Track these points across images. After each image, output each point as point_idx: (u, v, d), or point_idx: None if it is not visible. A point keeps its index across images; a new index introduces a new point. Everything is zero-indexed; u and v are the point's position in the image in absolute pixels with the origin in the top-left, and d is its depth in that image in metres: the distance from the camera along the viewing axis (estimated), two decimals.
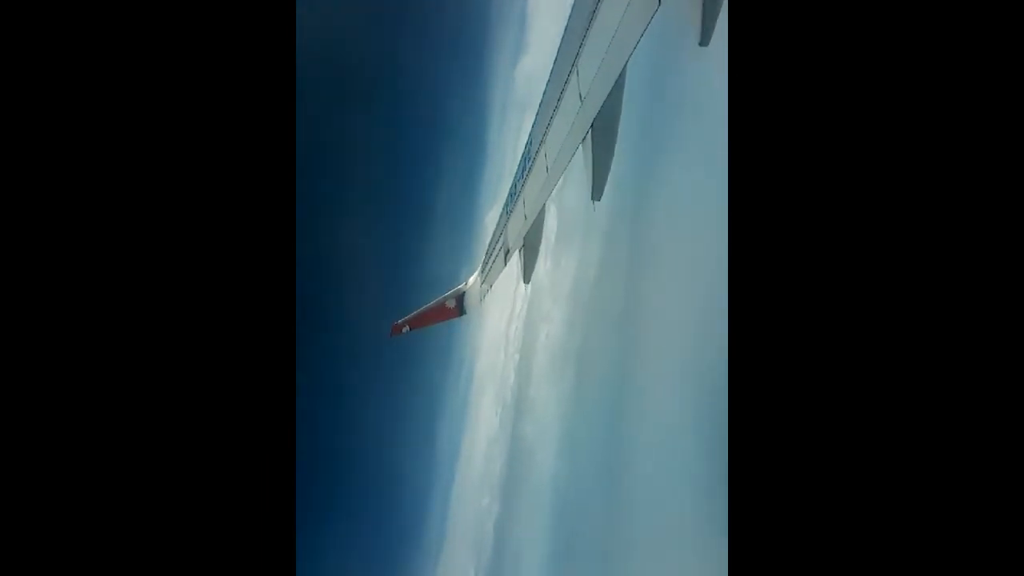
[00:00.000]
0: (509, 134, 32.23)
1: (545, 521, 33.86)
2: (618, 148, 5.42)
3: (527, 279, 7.41)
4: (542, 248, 7.39)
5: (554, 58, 5.23)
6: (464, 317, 9.10)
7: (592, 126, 5.00)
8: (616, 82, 4.49)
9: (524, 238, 6.95)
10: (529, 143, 6.07)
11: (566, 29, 4.91)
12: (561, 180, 5.83)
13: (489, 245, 8.03)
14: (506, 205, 7.15)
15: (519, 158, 6.59)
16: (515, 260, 7.46)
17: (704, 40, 3.66)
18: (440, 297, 9.14)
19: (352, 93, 29.18)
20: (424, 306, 9.25)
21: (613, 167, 5.49)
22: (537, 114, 5.80)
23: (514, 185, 6.72)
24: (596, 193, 5.52)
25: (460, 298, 8.98)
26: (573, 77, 4.90)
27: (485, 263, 8.34)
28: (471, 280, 8.94)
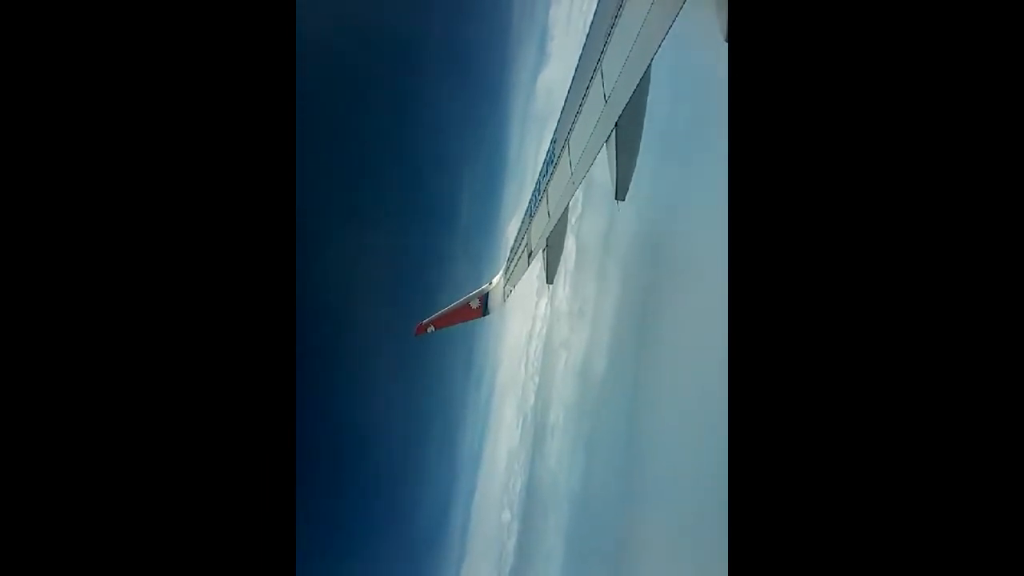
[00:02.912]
0: (530, 144, 32.35)
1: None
2: (642, 147, 5.46)
3: (550, 279, 7.46)
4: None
5: (578, 57, 5.28)
6: (487, 319, 9.18)
7: (616, 125, 5.04)
8: (641, 80, 4.53)
9: (547, 239, 7.01)
10: (553, 143, 6.13)
11: (591, 27, 4.96)
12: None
13: (513, 246, 8.10)
14: (530, 206, 7.22)
15: (540, 165, 6.67)
16: (538, 261, 7.53)
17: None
18: (464, 297, 9.23)
19: (376, 106, 29.55)
20: (448, 306, 9.34)
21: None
22: (561, 113, 5.84)
23: (538, 185, 6.78)
24: (620, 193, 5.55)
25: (484, 298, 9.06)
26: (597, 75, 4.94)
27: (509, 264, 8.41)
28: (495, 280, 9.02)
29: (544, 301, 33.18)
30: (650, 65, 4.39)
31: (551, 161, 6.23)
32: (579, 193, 6.31)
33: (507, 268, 8.55)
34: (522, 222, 7.56)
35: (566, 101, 5.73)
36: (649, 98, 4.95)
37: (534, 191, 6.98)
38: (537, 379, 34.77)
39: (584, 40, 5.16)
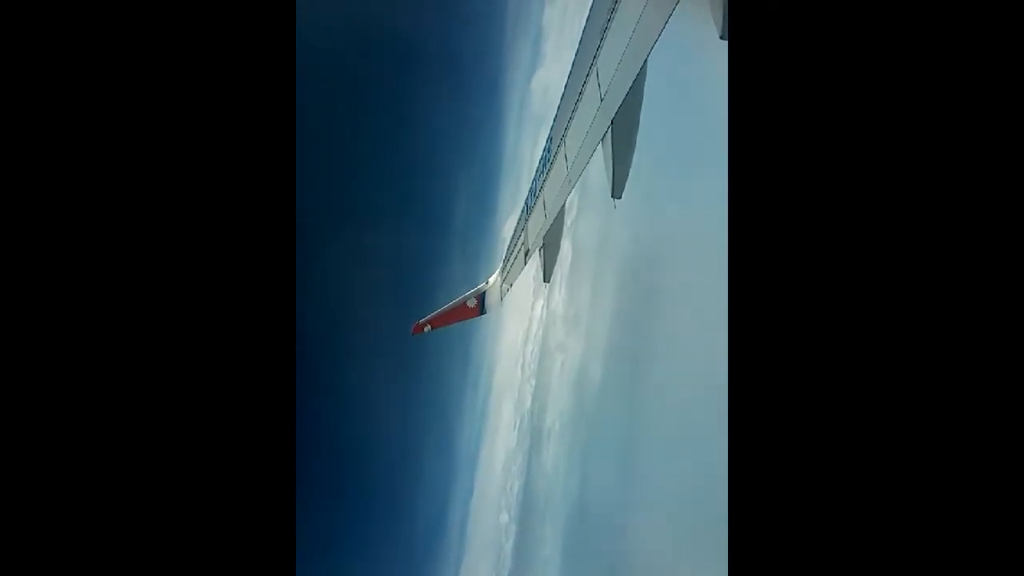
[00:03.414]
0: (526, 144, 32.33)
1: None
2: (638, 146, 5.46)
3: (547, 279, 7.48)
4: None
5: (574, 55, 5.29)
6: (484, 318, 9.20)
7: (612, 123, 5.04)
8: (636, 78, 4.53)
9: (544, 237, 7.02)
10: (549, 141, 6.13)
11: (586, 25, 4.97)
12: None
13: (509, 245, 8.12)
14: (526, 205, 7.23)
15: (536, 164, 6.68)
16: (535, 260, 7.54)
17: (725, 34, 3.69)
18: (461, 296, 9.26)
19: (373, 107, 29.57)
20: (445, 305, 9.36)
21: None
22: (557, 112, 5.84)
23: (534, 184, 6.78)
24: (616, 191, 5.55)
25: (481, 297, 9.08)
26: (593, 73, 4.94)
27: (505, 263, 8.43)
28: (492, 279, 9.04)
29: (540, 302, 33.17)
30: (646, 62, 4.39)
31: (547, 159, 6.23)
32: (575, 195, 6.32)
33: (504, 267, 8.57)
34: (518, 221, 7.57)
35: (562, 99, 5.74)
36: (645, 96, 4.96)
37: (530, 190, 6.98)
38: (533, 382, 34.71)
39: (580, 38, 5.17)
